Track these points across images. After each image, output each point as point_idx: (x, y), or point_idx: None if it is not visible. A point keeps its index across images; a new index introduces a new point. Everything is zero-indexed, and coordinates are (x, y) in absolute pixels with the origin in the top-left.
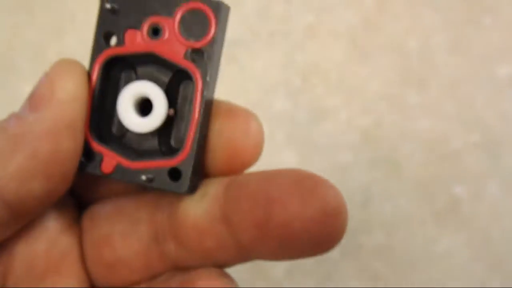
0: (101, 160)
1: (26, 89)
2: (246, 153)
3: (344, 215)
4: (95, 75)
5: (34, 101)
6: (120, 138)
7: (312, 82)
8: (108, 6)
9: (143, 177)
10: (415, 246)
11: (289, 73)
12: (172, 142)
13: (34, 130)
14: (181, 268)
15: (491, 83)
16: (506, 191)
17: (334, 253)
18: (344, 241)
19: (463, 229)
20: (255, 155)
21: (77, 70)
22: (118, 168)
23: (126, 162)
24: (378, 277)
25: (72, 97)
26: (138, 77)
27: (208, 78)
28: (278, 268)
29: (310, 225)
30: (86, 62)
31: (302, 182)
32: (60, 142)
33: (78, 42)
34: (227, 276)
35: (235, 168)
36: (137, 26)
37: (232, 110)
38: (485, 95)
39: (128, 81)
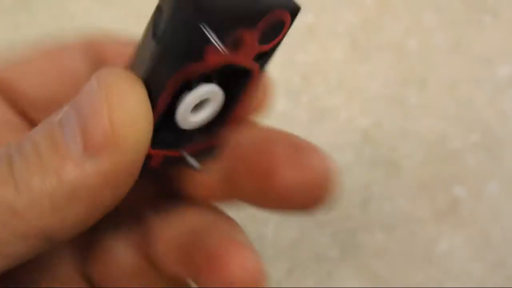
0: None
1: None
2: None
3: (331, 181)
4: (165, 98)
5: (89, 141)
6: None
7: (312, 82)
8: None
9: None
10: (415, 246)
11: (289, 73)
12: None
13: (93, 182)
14: None
15: (491, 83)
16: (506, 191)
17: (334, 253)
18: (344, 241)
19: (463, 229)
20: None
21: (139, 96)
22: (165, 159)
23: (172, 153)
24: (378, 277)
25: (135, 140)
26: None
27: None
28: (278, 268)
29: (302, 191)
30: None
31: (296, 153)
32: (120, 189)
33: None
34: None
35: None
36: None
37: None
38: (485, 95)
39: None
